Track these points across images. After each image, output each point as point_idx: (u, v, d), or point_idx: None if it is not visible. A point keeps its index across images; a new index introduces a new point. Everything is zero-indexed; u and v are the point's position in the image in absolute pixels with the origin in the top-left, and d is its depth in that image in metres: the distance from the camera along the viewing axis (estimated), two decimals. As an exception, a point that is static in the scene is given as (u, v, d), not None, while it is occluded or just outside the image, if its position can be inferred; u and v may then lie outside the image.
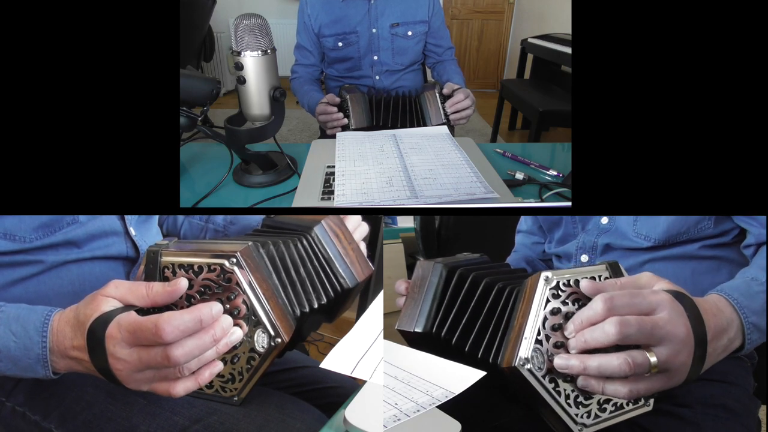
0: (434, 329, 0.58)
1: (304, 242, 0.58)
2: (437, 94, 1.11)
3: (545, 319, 0.47)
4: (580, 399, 0.47)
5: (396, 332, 0.61)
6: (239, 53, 0.80)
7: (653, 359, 0.43)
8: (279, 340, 0.49)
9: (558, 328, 0.48)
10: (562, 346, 0.47)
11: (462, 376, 0.50)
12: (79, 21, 0.56)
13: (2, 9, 0.55)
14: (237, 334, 0.48)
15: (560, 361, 0.46)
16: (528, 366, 0.46)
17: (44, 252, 0.60)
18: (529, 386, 0.46)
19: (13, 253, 0.58)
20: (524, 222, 0.93)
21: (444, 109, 1.11)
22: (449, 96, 1.12)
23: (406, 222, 2.09)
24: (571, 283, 0.49)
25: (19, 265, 0.59)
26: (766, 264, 0.59)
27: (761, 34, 0.56)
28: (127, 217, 0.68)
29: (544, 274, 0.48)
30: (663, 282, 0.48)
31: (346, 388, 0.74)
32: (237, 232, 0.81)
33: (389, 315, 0.62)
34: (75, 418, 0.56)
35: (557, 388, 0.47)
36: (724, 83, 0.57)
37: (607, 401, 0.48)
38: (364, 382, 0.52)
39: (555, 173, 0.95)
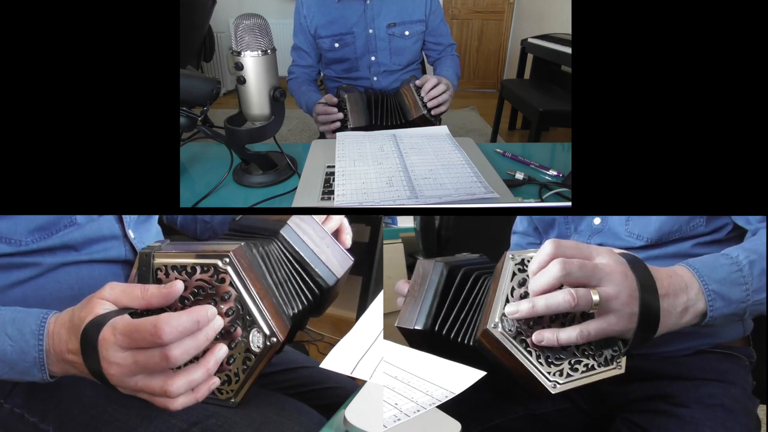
0: (433, 327, 0.58)
1: (274, 246, 0.57)
2: (413, 88, 1.11)
3: (512, 289, 0.51)
4: (551, 359, 0.50)
5: (396, 332, 0.62)
6: (239, 53, 0.80)
7: (596, 296, 0.47)
8: (275, 339, 0.49)
9: (525, 296, 0.51)
10: None
11: (462, 376, 0.50)
12: (79, 21, 0.56)
13: (2, 9, 0.55)
14: (223, 350, 0.47)
15: (510, 308, 0.49)
16: (499, 329, 0.49)
17: (41, 255, 0.60)
18: (501, 347, 0.49)
19: (8, 255, 0.58)
20: (519, 223, 0.93)
21: (422, 102, 1.10)
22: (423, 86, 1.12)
23: (406, 222, 2.09)
24: None
25: (17, 267, 0.59)
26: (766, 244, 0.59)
27: (760, 34, 0.56)
28: (126, 220, 0.68)
29: (509, 254, 0.53)
30: (613, 249, 0.52)
31: (346, 388, 0.74)
32: (220, 222, 0.80)
33: (389, 315, 0.62)
34: (73, 420, 0.56)
35: (528, 348, 0.50)
36: (724, 83, 0.57)
37: (578, 362, 0.51)
38: (364, 382, 0.52)
39: (555, 173, 0.95)
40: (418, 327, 0.59)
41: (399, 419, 0.45)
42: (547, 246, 0.49)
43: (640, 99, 0.58)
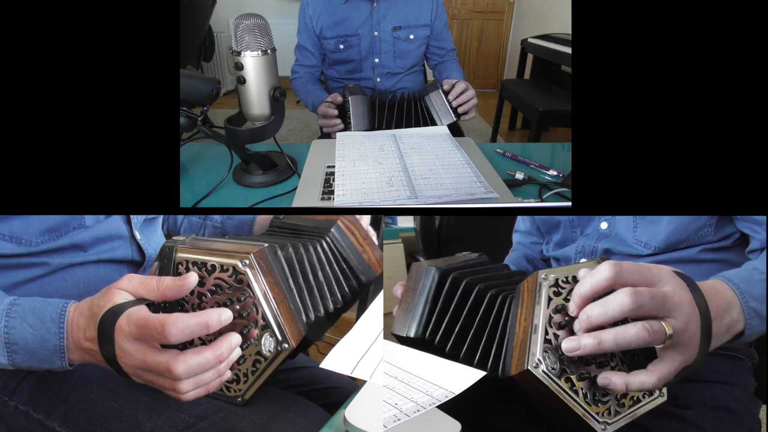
0: (426, 335, 0.57)
1: (324, 245, 0.59)
2: (441, 93, 1.11)
3: (550, 317, 0.46)
4: (598, 396, 0.46)
5: (396, 332, 0.61)
6: (239, 53, 0.80)
7: (669, 330, 0.42)
8: (286, 345, 0.49)
9: (565, 325, 0.46)
10: None
11: (462, 376, 0.50)
12: (80, 21, 0.56)
13: (3, 9, 0.55)
14: (236, 353, 0.47)
15: (570, 343, 0.43)
16: (542, 368, 0.44)
17: (50, 255, 0.61)
18: (544, 389, 0.44)
19: (18, 255, 0.59)
20: (522, 222, 0.93)
21: (451, 106, 1.10)
22: (450, 91, 1.12)
23: (406, 222, 2.09)
24: (570, 279, 0.48)
25: (25, 267, 0.60)
26: (766, 255, 0.58)
27: (762, 34, 0.56)
28: (133, 221, 0.68)
29: (540, 274, 0.48)
30: (667, 267, 0.47)
31: (346, 388, 0.74)
32: (233, 227, 0.81)
33: (389, 315, 0.62)
34: (79, 416, 0.56)
35: (574, 388, 0.45)
36: (724, 83, 0.57)
37: (624, 395, 0.47)
38: (364, 382, 0.52)
39: (555, 173, 0.95)
40: (410, 335, 0.57)
41: (399, 419, 0.45)
42: (606, 269, 0.43)
43: (640, 99, 0.58)
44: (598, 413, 0.45)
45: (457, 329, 0.56)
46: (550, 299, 0.47)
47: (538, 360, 0.44)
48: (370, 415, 0.47)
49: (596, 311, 0.43)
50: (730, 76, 0.57)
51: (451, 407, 0.48)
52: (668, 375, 0.44)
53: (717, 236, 0.68)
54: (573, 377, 0.45)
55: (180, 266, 0.49)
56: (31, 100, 0.56)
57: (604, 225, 0.74)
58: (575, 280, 0.47)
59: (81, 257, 0.63)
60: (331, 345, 0.53)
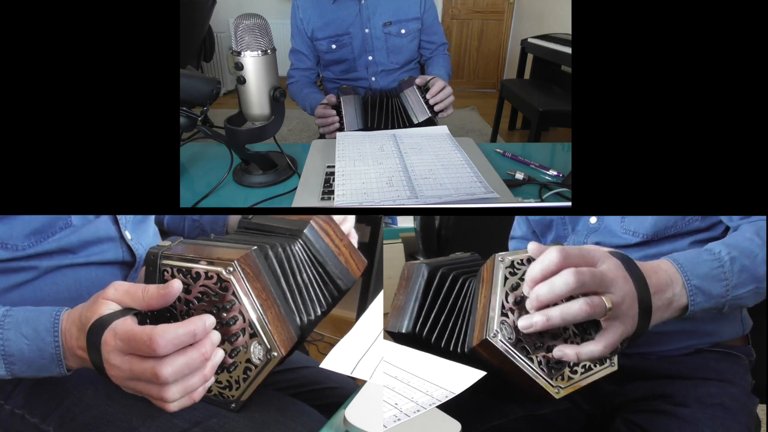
0: (414, 330, 0.58)
1: (297, 247, 0.57)
2: (416, 90, 1.10)
3: (506, 294, 0.51)
4: (552, 364, 0.50)
5: (396, 332, 0.62)
6: (239, 53, 0.80)
7: (608, 304, 0.47)
8: (275, 354, 0.48)
9: (520, 301, 0.51)
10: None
11: (462, 376, 0.50)
12: (79, 21, 0.56)
13: (2, 8, 0.55)
14: (219, 354, 0.47)
15: (523, 321, 0.48)
16: (499, 337, 0.49)
17: (38, 259, 0.60)
18: (502, 357, 0.49)
19: (5, 261, 0.58)
20: (518, 228, 0.93)
21: (427, 103, 1.10)
22: (426, 87, 1.11)
23: (406, 222, 2.09)
24: (524, 261, 0.52)
25: (14, 271, 0.59)
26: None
27: (760, 34, 0.56)
28: (122, 221, 0.68)
29: (497, 256, 0.52)
30: (604, 249, 0.52)
31: (346, 388, 0.74)
32: (209, 220, 0.79)
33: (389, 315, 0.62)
34: (74, 420, 0.56)
35: (529, 356, 0.49)
36: (724, 83, 0.57)
37: (576, 364, 0.51)
38: (364, 382, 0.52)
39: (555, 173, 0.95)
40: (402, 330, 0.58)
41: (399, 419, 0.45)
42: (554, 254, 0.48)
43: (639, 99, 0.58)
44: (552, 378, 0.50)
45: (433, 317, 0.58)
46: (506, 278, 0.51)
47: (496, 331, 0.49)
48: (370, 415, 0.47)
49: (544, 291, 0.47)
50: (731, 75, 0.57)
51: (449, 405, 0.48)
52: (613, 343, 0.49)
53: (705, 224, 0.68)
54: (528, 347, 0.50)
55: (166, 273, 0.48)
56: (31, 101, 0.56)
57: (593, 219, 0.75)
58: (530, 261, 0.51)
59: (70, 259, 0.62)
60: (331, 345, 0.53)
